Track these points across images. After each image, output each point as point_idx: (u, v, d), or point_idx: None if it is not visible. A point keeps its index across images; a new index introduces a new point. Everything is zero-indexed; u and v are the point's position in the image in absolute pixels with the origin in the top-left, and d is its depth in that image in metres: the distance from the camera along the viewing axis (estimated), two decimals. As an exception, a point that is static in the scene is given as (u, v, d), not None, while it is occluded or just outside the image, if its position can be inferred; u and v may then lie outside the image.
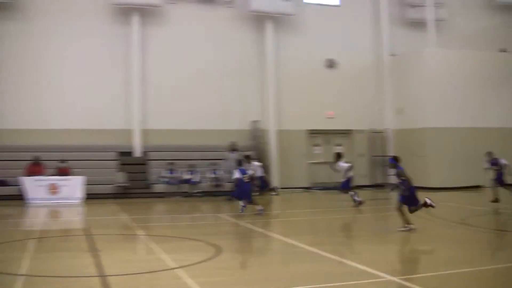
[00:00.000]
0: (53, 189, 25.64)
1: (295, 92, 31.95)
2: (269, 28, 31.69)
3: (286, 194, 29.18)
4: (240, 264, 11.88)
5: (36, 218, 20.69)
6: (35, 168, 26.44)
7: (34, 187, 25.47)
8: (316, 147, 32.26)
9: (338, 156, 23.32)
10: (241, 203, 20.17)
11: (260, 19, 31.67)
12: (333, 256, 12.17)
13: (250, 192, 20.32)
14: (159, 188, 28.30)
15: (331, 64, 32.87)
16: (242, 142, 30.38)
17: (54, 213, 22.86)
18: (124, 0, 29.59)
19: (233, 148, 26.97)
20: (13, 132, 28.45)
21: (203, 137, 29.62)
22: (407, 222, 15.35)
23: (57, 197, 25.47)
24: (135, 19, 30.02)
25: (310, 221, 19.49)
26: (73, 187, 25.93)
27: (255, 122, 31.13)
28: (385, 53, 33.75)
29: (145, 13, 30.27)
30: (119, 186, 27.66)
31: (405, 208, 15.46)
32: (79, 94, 29.47)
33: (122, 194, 27.37)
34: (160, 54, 30.52)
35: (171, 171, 28.47)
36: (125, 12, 30.02)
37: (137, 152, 29.94)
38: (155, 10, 30.41)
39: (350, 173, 22.63)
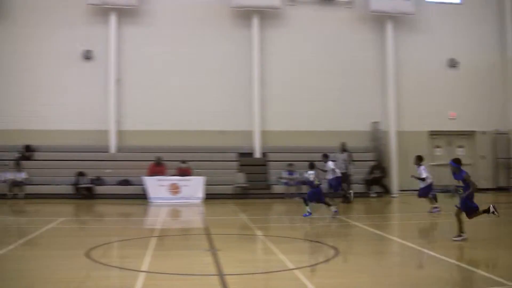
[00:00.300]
0: (174, 189, 26.17)
1: (415, 92, 31.25)
2: (389, 28, 31.11)
3: (405, 197, 28.55)
4: (358, 266, 11.68)
5: (157, 217, 21.15)
6: (157, 168, 27.08)
7: (156, 186, 26.09)
8: (437, 149, 31.42)
9: (419, 159, 21.93)
10: (333, 208, 19.85)
11: (380, 19, 31.17)
12: (452, 261, 11.77)
13: (313, 195, 19.95)
14: (278, 189, 28.36)
15: (452, 64, 31.92)
16: (362, 144, 30.11)
17: (174, 212, 23.32)
18: (245, 3, 29.90)
19: (342, 149, 26.66)
20: (136, 133, 29.38)
21: (323, 138, 29.34)
22: (461, 231, 14.39)
23: (178, 197, 25.99)
24: (255, 22, 30.25)
25: (430, 224, 18.96)
26: (194, 187, 26.37)
27: (375, 123, 30.68)
28: (509, 51, 32.33)
29: (265, 15, 30.45)
30: (238, 186, 27.91)
31: (463, 215, 14.57)
32: (201, 96, 30.02)
33: (241, 195, 27.63)
34: (279, 55, 30.65)
35: (290, 172, 28.45)
36: (245, 15, 30.31)
37: (257, 153, 30.13)
38: (275, 12, 30.53)
39: (430, 180, 21.46)
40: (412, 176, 21.97)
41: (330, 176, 24.35)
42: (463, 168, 14.75)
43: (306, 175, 20.26)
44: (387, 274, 11.04)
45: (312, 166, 20.46)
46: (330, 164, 24.12)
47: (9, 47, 29.19)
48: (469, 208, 14.42)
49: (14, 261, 11.84)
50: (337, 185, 24.69)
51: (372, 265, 11.92)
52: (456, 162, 15.01)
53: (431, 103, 31.29)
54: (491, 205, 14.60)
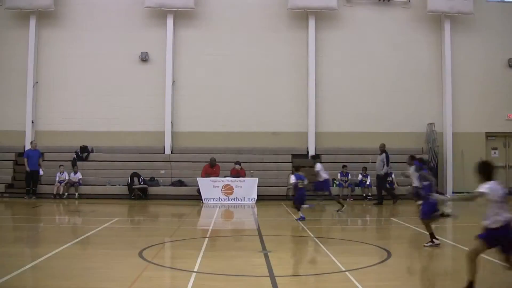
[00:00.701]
0: (228, 190, 26.23)
1: (472, 93, 30.65)
2: (446, 28, 30.57)
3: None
4: (409, 269, 11.55)
5: (210, 218, 21.23)
6: (211, 169, 27.18)
7: (210, 187, 26.19)
8: (494, 150, 30.87)
9: (412, 159, 20.55)
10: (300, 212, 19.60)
11: (437, 19, 30.70)
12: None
13: (302, 198, 19.78)
14: (332, 190, 28.15)
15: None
16: (417, 145, 29.78)
17: (227, 213, 23.40)
18: (302, 4, 29.82)
19: (382, 150, 26.27)
20: (191, 135, 29.63)
21: (378, 140, 28.72)
22: (433, 236, 14.01)
23: (231, 198, 26.04)
24: (311, 23, 30.16)
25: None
26: (247, 188, 26.38)
27: (430, 124, 30.25)
28: None
29: (321, 16, 30.31)
30: (292, 188, 27.82)
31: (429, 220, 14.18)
32: (256, 97, 30.08)
33: (294, 196, 27.52)
34: (335, 56, 30.48)
35: (344, 173, 28.27)
36: (302, 16, 30.28)
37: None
38: (331, 13, 30.36)
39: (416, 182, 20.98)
40: (402, 174, 22.08)
41: (320, 178, 23.72)
42: None
43: (293, 177, 20.13)
44: (437, 278, 10.88)
45: (297, 169, 20.50)
46: (318, 167, 23.59)
47: (67, 50, 29.77)
48: (432, 210, 14.12)
49: (69, 259, 12.03)
50: (322, 188, 24.06)
51: (424, 268, 11.76)
52: (420, 161, 15.01)
53: (488, 104, 30.64)
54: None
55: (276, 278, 10.24)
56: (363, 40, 30.76)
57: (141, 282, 10.11)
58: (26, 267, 11.05)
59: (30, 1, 29.02)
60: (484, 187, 9.04)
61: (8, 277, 9.98)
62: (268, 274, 10.61)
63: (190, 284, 9.80)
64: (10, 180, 28.12)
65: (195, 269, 10.99)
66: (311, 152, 29.86)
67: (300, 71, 30.29)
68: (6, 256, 12.19)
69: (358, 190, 28.04)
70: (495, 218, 8.96)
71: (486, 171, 9.31)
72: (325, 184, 23.54)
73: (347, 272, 10.83)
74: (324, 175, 23.36)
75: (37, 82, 29.53)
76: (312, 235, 16.08)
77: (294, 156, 29.78)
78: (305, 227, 17.75)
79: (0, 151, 29.05)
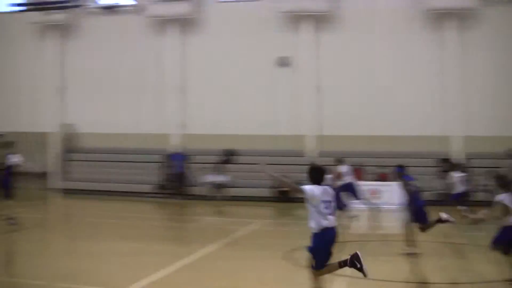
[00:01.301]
0: (374, 194, 25.90)
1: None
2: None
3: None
4: None
5: (356, 222, 20.97)
6: (356, 173, 26.88)
7: (354, 191, 25.95)
8: None
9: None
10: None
11: None
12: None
13: None
14: (481, 196, 27.05)
15: None
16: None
17: (372, 217, 23.07)
18: (439, 5, 29.01)
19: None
20: (334, 138, 29.39)
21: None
22: (411, 244, 13.38)
23: (377, 202, 25.63)
24: (451, 24, 29.23)
25: None
26: (393, 192, 25.85)
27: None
28: None
29: (461, 17, 29.22)
30: (439, 193, 27.10)
31: (413, 227, 13.74)
32: (395, 99, 29.35)
33: (443, 202, 26.79)
34: (479, 57, 29.22)
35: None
36: (439, 17, 29.38)
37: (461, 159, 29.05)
38: (471, 14, 29.18)
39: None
40: None
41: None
42: None
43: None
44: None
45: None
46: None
47: (209, 55, 30.64)
48: (419, 219, 14.02)
49: (217, 260, 12.28)
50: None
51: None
52: (400, 167, 14.70)
53: None
54: (442, 213, 13.91)
55: (427, 285, 9.91)
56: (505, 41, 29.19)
57: (284, 285, 10.08)
58: (177, 265, 11.27)
59: (168, 9, 30.63)
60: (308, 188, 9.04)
61: (158, 274, 10.21)
62: (417, 280, 10.30)
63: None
64: (160, 181, 29.08)
65: (343, 273, 10.80)
66: (457, 156, 28.80)
67: (443, 72, 29.31)
68: (157, 254, 12.52)
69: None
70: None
71: (314, 175, 9.30)
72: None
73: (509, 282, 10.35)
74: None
75: (181, 87, 30.51)
76: (467, 242, 15.53)
77: (443, 160, 28.80)
78: (455, 233, 17.20)
79: (150, 153, 30.12)
